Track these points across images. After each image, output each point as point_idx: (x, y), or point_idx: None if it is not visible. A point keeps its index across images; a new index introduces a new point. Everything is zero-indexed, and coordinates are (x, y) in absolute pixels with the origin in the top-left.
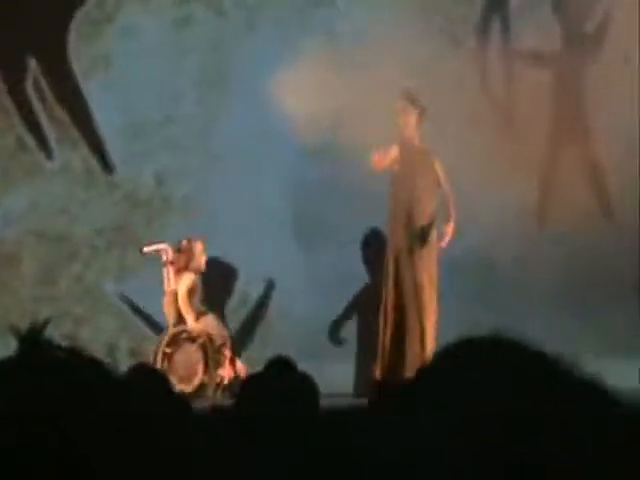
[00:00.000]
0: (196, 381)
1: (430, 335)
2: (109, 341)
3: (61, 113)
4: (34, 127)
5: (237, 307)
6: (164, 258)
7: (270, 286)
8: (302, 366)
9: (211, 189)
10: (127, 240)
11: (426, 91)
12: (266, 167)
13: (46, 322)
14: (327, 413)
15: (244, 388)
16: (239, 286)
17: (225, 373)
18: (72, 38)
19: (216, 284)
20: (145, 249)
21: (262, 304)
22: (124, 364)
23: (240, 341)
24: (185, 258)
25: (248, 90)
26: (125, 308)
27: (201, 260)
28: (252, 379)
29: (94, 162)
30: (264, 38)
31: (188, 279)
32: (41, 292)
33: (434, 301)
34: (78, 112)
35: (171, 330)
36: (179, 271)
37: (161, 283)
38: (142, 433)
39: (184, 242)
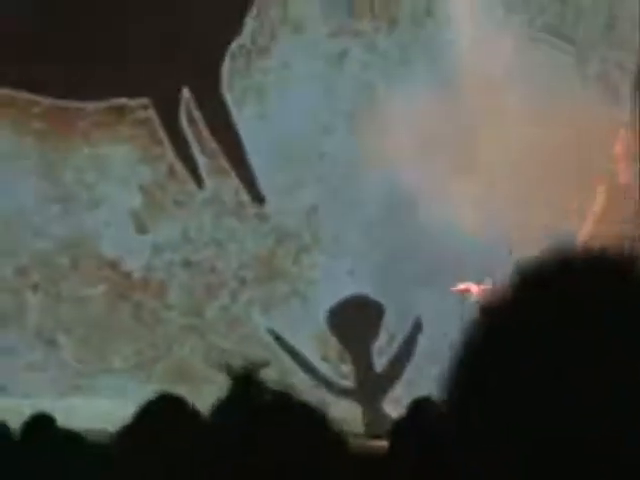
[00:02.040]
0: None
1: None
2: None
3: (213, 143)
4: (186, 157)
5: (384, 346)
6: (473, 295)
7: (417, 327)
8: None
9: (359, 226)
10: (274, 273)
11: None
12: None
13: (263, 364)
14: None
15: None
16: (386, 325)
17: None
18: (225, 69)
19: (361, 322)
20: (455, 288)
21: (409, 344)
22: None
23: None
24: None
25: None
26: (271, 341)
27: None
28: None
29: (244, 193)
30: (417, 72)
31: None
32: (187, 322)
33: None
34: (230, 143)
35: None
36: None
37: (306, 318)
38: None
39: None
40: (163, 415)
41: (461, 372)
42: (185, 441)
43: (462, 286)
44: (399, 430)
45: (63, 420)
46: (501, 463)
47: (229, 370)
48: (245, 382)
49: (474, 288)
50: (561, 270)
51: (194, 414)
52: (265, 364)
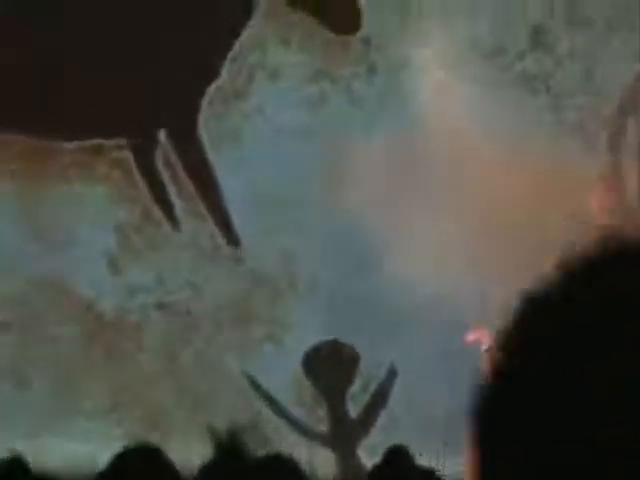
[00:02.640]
0: None
1: None
2: (230, 418)
3: (189, 186)
4: (162, 199)
5: (358, 393)
6: (483, 344)
7: (392, 373)
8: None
9: (336, 270)
10: (250, 316)
11: None
12: None
13: (245, 429)
14: None
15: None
16: (362, 371)
17: None
18: (203, 113)
19: (336, 367)
20: (469, 337)
21: (383, 391)
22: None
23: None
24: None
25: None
26: (246, 386)
27: None
28: (377, 472)
29: (220, 236)
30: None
31: None
32: (162, 366)
33: None
34: (206, 186)
35: None
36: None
37: (281, 362)
38: None
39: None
40: (137, 466)
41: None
42: None
43: (473, 336)
44: (375, 478)
45: (33, 460)
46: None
47: (213, 434)
48: (229, 448)
49: (485, 336)
50: (606, 265)
51: (169, 466)
52: (250, 427)
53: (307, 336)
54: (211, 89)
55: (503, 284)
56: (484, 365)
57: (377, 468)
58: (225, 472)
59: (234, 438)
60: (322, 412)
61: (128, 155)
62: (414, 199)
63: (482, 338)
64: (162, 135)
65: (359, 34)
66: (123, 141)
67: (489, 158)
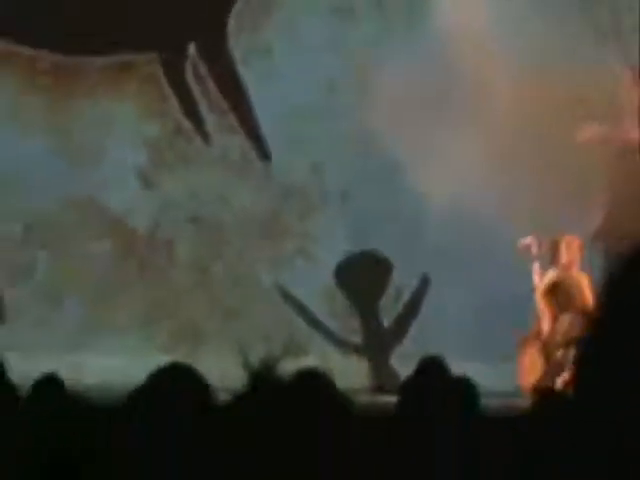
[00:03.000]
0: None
1: None
2: (264, 333)
3: (220, 100)
4: (192, 113)
5: (392, 302)
6: (533, 252)
7: (425, 282)
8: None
9: (368, 181)
10: (281, 230)
11: None
12: None
13: (278, 358)
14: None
15: (404, 391)
16: (394, 281)
17: (561, 380)
18: (232, 27)
19: (370, 278)
20: (521, 244)
21: (416, 300)
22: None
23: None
24: (552, 253)
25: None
26: (279, 298)
27: (570, 257)
28: (411, 382)
29: (251, 150)
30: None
31: (550, 276)
32: (194, 279)
33: None
34: (237, 99)
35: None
36: (545, 267)
37: (313, 274)
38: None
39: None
40: (172, 384)
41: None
42: (198, 414)
43: (525, 243)
44: (409, 388)
45: (69, 376)
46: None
47: (247, 366)
48: (263, 378)
49: (535, 244)
50: None
51: (204, 385)
52: (282, 357)
53: (338, 248)
54: (240, 3)
55: (521, 197)
56: (534, 273)
57: (411, 379)
58: (259, 398)
59: (268, 369)
60: (355, 323)
61: (158, 70)
62: (440, 117)
63: (533, 246)
64: (192, 49)
65: None
66: (153, 56)
67: (515, 76)
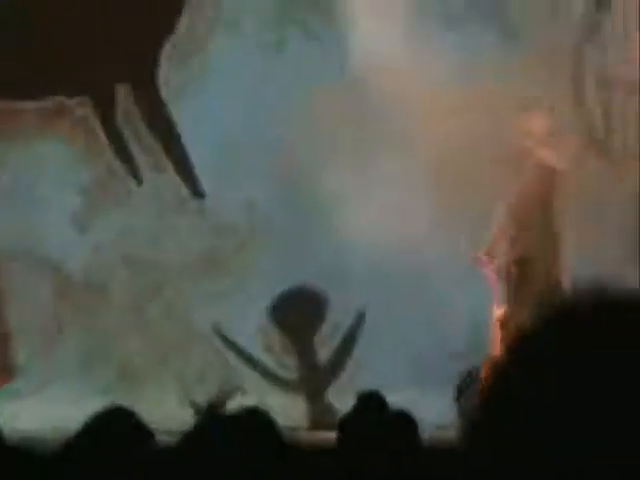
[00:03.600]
0: None
1: None
2: (199, 370)
3: (151, 140)
4: (124, 154)
5: (328, 337)
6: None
7: (361, 317)
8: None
9: (301, 217)
10: (217, 268)
11: None
12: None
13: (225, 397)
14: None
15: (343, 428)
16: (330, 316)
17: None
18: (162, 66)
19: (305, 314)
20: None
21: (352, 334)
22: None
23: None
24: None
25: None
26: (214, 337)
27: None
28: (349, 418)
29: (184, 189)
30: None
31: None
32: (130, 320)
33: None
34: (168, 138)
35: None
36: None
37: (248, 311)
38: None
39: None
40: (111, 427)
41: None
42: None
43: (477, 258)
44: (348, 424)
45: (6, 424)
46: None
47: (194, 406)
48: (210, 417)
49: (484, 260)
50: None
51: (143, 428)
52: (230, 394)
53: (273, 284)
54: (169, 44)
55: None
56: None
57: (349, 415)
58: (204, 437)
59: (214, 409)
60: (292, 359)
61: (89, 113)
62: (370, 147)
63: (483, 262)
64: (122, 91)
65: None
66: (84, 98)
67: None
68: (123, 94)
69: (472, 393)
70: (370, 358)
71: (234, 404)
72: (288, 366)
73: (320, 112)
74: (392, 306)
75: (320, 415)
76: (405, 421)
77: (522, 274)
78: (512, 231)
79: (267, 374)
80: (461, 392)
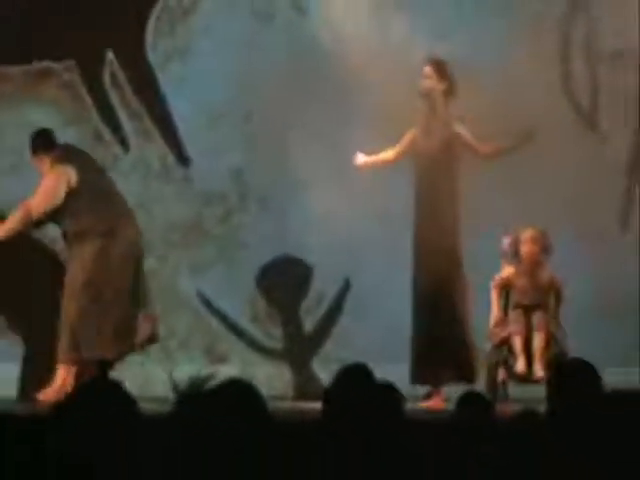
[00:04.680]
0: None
1: None
2: (183, 338)
3: (138, 106)
4: (111, 120)
5: (313, 306)
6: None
7: (346, 286)
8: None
9: (286, 186)
10: (202, 236)
11: None
12: None
13: (207, 378)
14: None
15: (328, 397)
16: (315, 285)
17: (502, 375)
18: (149, 32)
19: (291, 283)
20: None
21: (337, 304)
22: (198, 362)
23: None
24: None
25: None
26: (199, 306)
27: (522, 249)
28: (335, 386)
29: (170, 156)
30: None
31: (503, 271)
32: None
33: None
34: (154, 105)
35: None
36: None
37: (234, 281)
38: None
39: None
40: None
41: None
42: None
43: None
44: (332, 394)
45: None
46: None
47: (175, 389)
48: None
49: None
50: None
51: (127, 397)
52: (209, 378)
53: (259, 253)
54: (157, 8)
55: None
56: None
57: (334, 386)
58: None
59: (195, 387)
60: (277, 329)
61: (76, 77)
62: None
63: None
64: (110, 56)
65: None
66: (71, 63)
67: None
68: (111, 59)
69: None
70: (356, 328)
71: (221, 374)
72: (274, 336)
73: (304, 80)
74: (378, 276)
75: (305, 385)
76: (390, 392)
77: None
78: None
79: (252, 343)
80: None
